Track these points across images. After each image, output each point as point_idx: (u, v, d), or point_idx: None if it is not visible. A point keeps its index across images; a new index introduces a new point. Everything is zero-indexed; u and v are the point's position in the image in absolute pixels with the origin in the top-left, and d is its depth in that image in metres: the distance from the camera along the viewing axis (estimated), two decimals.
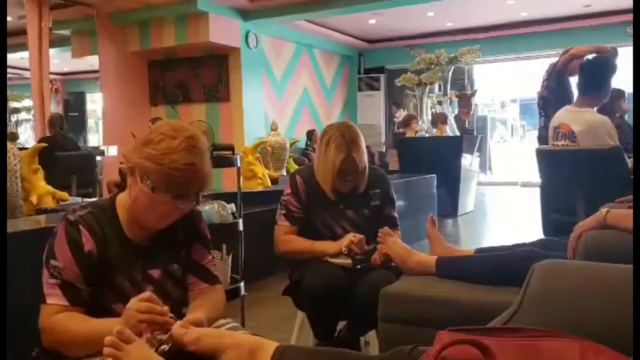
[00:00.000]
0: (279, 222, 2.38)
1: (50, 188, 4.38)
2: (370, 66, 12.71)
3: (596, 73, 3.47)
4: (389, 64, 12.37)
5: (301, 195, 2.35)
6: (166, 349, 1.23)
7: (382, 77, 12.53)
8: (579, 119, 3.39)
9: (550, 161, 3.47)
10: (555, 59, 4.78)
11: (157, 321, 1.28)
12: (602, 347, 0.82)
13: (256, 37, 9.07)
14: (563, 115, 3.53)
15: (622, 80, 3.58)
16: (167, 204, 1.41)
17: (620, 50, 4.36)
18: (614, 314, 1.08)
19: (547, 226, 3.59)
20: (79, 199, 5.29)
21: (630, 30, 9.62)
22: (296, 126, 10.70)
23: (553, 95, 4.58)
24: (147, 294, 1.32)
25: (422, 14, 9.73)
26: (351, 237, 2.23)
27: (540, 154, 3.55)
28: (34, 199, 4.19)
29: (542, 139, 4.68)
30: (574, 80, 4.42)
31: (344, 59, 12.49)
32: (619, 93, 4.61)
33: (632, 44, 10.70)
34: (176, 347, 1.22)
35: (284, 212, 2.37)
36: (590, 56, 4.08)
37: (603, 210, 1.66)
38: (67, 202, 4.38)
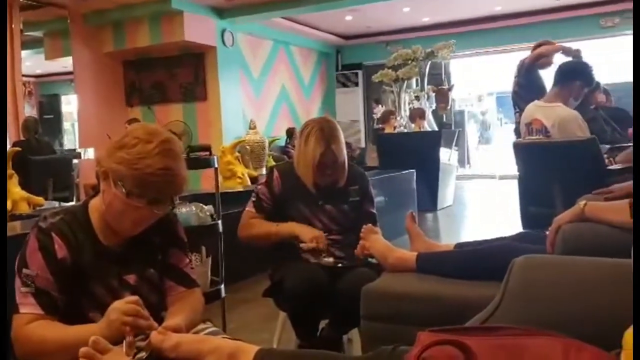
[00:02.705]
0: (247, 208, 2.41)
1: (25, 193, 4.31)
2: (348, 62, 12.70)
3: (570, 71, 3.53)
4: (366, 60, 12.37)
5: (275, 188, 2.37)
6: (144, 356, 1.21)
7: (360, 73, 12.54)
8: (550, 114, 3.41)
9: (527, 154, 3.49)
10: (528, 52, 4.94)
11: (141, 325, 1.26)
12: (584, 345, 0.82)
13: (232, 35, 9.01)
14: (534, 111, 3.55)
15: (596, 72, 3.60)
16: (142, 209, 1.38)
17: (593, 42, 4.50)
18: (592, 307, 1.09)
19: (525, 219, 3.62)
20: (56, 204, 5.22)
21: (603, 21, 9.78)
22: (275, 124, 10.67)
23: (524, 90, 4.78)
24: (134, 297, 1.31)
25: (398, 9, 9.75)
26: (316, 235, 2.23)
27: (517, 147, 3.56)
28: (8, 205, 4.11)
29: (519, 134, 4.80)
30: (544, 74, 4.63)
31: (321, 55, 12.47)
32: (594, 85, 4.69)
33: (604, 36, 10.80)
34: (155, 354, 1.20)
35: (254, 199, 2.40)
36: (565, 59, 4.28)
37: (581, 203, 1.67)
38: (43, 207, 4.32)
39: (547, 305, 1.12)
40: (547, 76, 4.34)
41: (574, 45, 4.93)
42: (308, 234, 2.25)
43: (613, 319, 0.97)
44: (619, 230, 1.51)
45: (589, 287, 1.12)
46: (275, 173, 2.40)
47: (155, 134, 1.39)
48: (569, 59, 4.46)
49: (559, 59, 4.62)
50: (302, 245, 2.24)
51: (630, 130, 3.39)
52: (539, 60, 4.67)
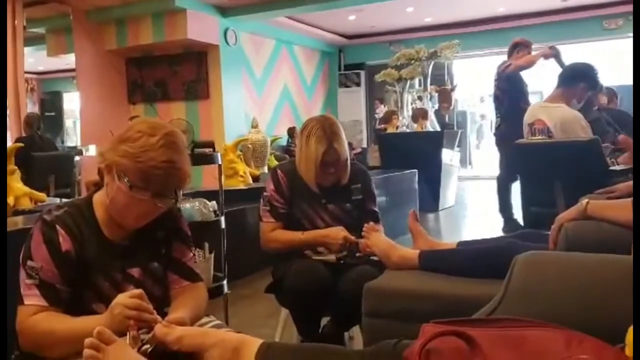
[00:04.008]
0: (264, 219, 2.36)
1: (27, 189, 4.31)
2: (350, 62, 12.70)
3: (575, 74, 3.55)
4: (369, 59, 12.37)
5: (284, 190, 2.34)
6: (149, 349, 1.22)
7: (363, 73, 12.53)
8: (553, 114, 3.42)
9: (529, 155, 3.49)
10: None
11: (145, 319, 1.26)
12: (586, 336, 0.82)
13: (235, 34, 9.01)
14: (537, 111, 3.56)
15: (600, 75, 3.60)
16: (146, 202, 1.38)
17: (596, 44, 4.58)
18: (594, 304, 1.09)
19: (527, 219, 3.62)
20: (57, 200, 5.22)
21: (606, 23, 9.79)
22: (277, 123, 10.67)
23: (505, 95, 4.96)
24: (137, 290, 1.31)
25: (402, 9, 9.75)
26: (345, 234, 2.23)
27: (519, 147, 3.57)
28: (10, 200, 4.11)
29: (498, 139, 5.01)
30: (542, 73, 4.75)
31: (324, 55, 12.47)
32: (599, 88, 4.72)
33: (607, 38, 10.81)
34: (159, 347, 1.20)
35: (268, 208, 2.35)
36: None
37: (583, 201, 1.67)
38: (44, 203, 4.31)
39: (549, 302, 1.12)
40: (547, 75, 4.39)
41: (576, 47, 5.01)
42: (337, 240, 2.23)
43: (616, 315, 0.97)
44: (621, 228, 1.51)
45: (591, 284, 1.12)
46: (280, 173, 2.38)
47: (159, 127, 1.39)
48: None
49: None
50: (328, 257, 2.24)
51: (621, 136, 3.43)
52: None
